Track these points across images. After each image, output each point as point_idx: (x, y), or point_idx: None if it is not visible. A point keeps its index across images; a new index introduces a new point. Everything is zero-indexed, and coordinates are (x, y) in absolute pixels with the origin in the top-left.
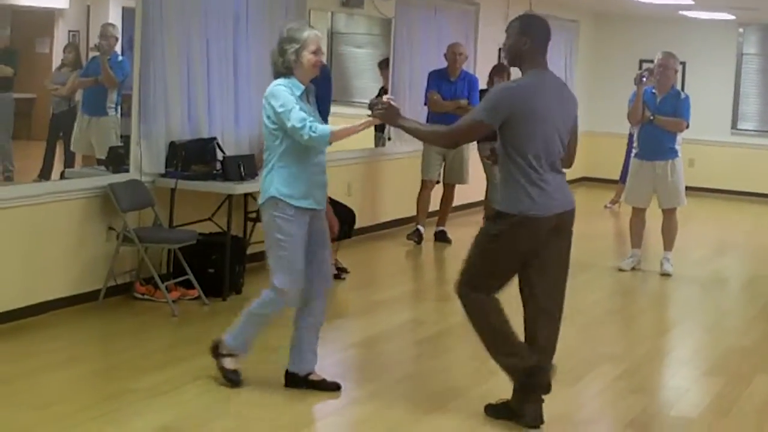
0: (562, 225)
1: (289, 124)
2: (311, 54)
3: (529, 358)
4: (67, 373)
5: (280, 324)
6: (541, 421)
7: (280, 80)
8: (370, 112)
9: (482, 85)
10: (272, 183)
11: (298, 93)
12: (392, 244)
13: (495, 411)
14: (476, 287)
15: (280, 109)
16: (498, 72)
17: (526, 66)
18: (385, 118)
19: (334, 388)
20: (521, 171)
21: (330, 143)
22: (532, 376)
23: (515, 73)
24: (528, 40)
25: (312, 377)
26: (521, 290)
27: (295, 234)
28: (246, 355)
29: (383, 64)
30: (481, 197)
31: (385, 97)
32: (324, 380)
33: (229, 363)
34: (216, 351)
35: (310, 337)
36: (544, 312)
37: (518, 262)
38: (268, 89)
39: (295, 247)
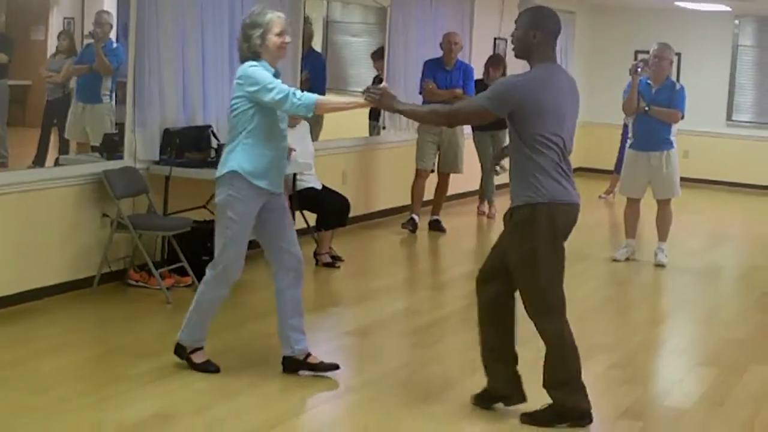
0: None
1: (268, 97)
2: (276, 36)
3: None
4: (61, 359)
5: (274, 311)
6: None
7: (251, 62)
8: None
9: (478, 75)
10: (235, 158)
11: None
12: (387, 232)
13: (482, 399)
14: (559, 311)
15: (255, 87)
16: (493, 63)
17: (535, 59)
18: (380, 103)
19: (332, 368)
20: (541, 162)
21: (315, 112)
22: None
23: (511, 64)
24: (538, 33)
25: (310, 359)
26: None
27: (244, 214)
28: (205, 341)
29: (376, 55)
30: (475, 186)
31: (381, 84)
32: (322, 362)
33: (197, 357)
34: (179, 353)
35: (292, 316)
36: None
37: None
38: (240, 70)
39: (243, 227)
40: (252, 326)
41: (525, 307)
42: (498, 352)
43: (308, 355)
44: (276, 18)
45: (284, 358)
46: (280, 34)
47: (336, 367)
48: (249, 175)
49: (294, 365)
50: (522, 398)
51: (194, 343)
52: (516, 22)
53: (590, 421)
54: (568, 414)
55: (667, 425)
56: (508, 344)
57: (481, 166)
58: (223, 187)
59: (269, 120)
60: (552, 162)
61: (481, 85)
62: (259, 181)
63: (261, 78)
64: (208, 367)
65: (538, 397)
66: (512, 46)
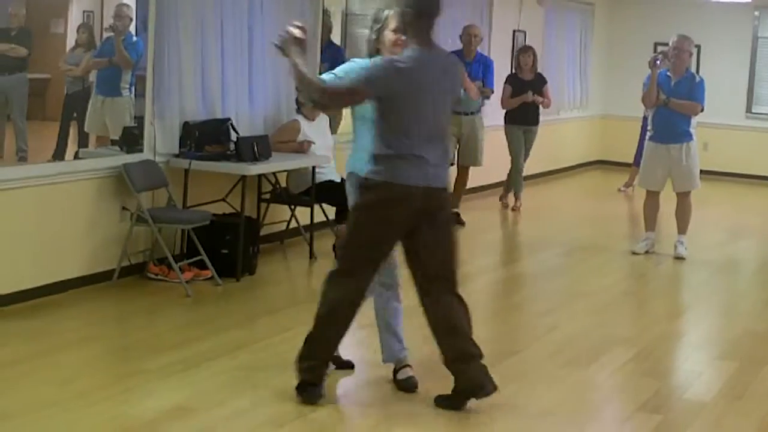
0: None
1: None
2: (391, 32)
3: None
4: (82, 352)
5: (290, 305)
6: None
7: (373, 57)
8: None
9: (502, 66)
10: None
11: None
12: None
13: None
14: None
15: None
16: (523, 52)
17: (409, 40)
18: (283, 47)
19: (348, 366)
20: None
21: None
22: None
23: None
24: (408, 11)
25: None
26: None
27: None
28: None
29: None
30: (494, 179)
31: (293, 25)
32: (338, 356)
33: (400, 374)
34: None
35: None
36: None
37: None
38: None
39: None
40: (269, 320)
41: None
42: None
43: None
44: (394, 14)
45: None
46: (395, 30)
47: (351, 365)
48: None
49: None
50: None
51: (395, 362)
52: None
53: None
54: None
55: (686, 418)
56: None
57: (511, 161)
58: None
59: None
60: (398, 145)
61: (514, 79)
62: None
63: (342, 70)
64: (407, 385)
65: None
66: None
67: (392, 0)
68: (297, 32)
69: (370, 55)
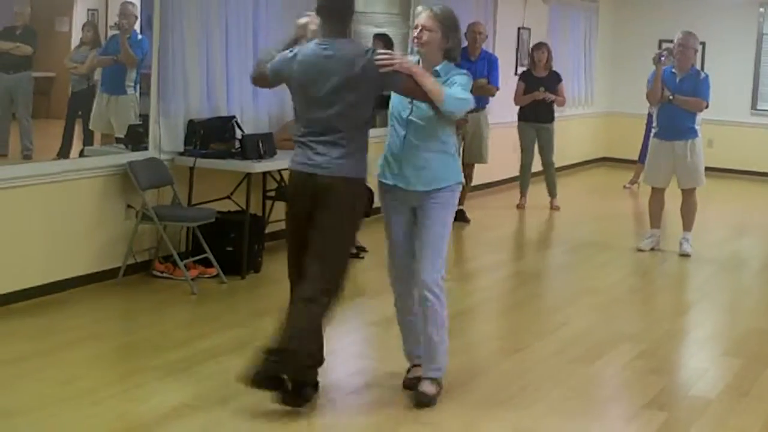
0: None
1: None
2: (414, 29)
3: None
4: (88, 350)
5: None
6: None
7: None
8: None
9: (507, 64)
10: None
11: None
12: None
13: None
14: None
15: None
16: (537, 48)
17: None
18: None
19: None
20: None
21: None
22: None
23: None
24: (321, 3)
25: None
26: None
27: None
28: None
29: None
30: (499, 177)
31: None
32: None
33: (410, 373)
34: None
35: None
36: None
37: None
38: None
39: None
40: (274, 317)
41: None
42: None
43: None
44: (417, 13)
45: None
46: (415, 28)
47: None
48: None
49: None
50: None
51: (408, 360)
52: None
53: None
54: None
55: (692, 415)
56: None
57: (522, 157)
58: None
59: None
60: (297, 131)
61: (527, 76)
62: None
63: None
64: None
65: None
66: None
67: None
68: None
69: None
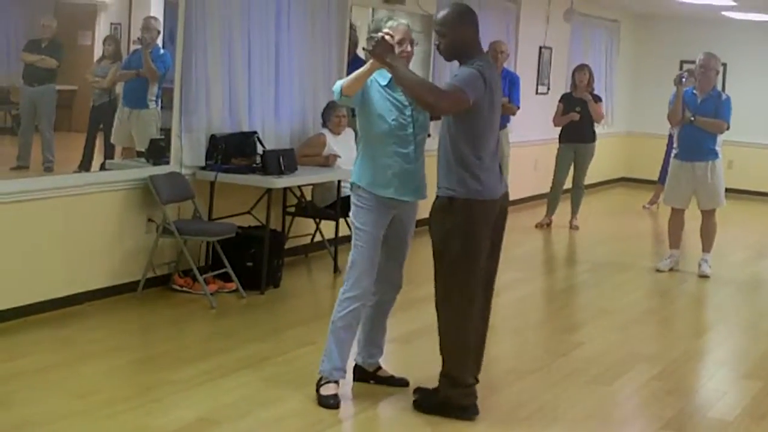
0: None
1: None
2: (396, 44)
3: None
4: (106, 363)
5: (315, 318)
6: None
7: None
8: None
9: (528, 83)
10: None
11: (384, 82)
12: (428, 240)
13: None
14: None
15: None
16: (579, 70)
17: (471, 53)
18: (374, 51)
19: (402, 384)
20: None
21: (344, 95)
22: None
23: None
24: (465, 29)
25: (380, 372)
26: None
27: (369, 223)
28: (343, 373)
29: None
30: (520, 195)
31: (383, 30)
32: (392, 376)
33: (325, 389)
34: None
35: (377, 330)
36: None
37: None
38: None
39: (371, 239)
40: (293, 332)
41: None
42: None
43: (378, 368)
44: (397, 25)
45: (356, 366)
46: (400, 43)
47: (406, 383)
48: (369, 185)
49: (364, 375)
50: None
51: (328, 374)
52: (440, 25)
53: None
54: (449, 406)
55: None
56: None
57: (555, 174)
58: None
59: (371, 123)
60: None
61: (567, 97)
62: (379, 190)
63: None
64: (328, 401)
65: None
66: (440, 50)
67: (451, 22)
68: (390, 38)
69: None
